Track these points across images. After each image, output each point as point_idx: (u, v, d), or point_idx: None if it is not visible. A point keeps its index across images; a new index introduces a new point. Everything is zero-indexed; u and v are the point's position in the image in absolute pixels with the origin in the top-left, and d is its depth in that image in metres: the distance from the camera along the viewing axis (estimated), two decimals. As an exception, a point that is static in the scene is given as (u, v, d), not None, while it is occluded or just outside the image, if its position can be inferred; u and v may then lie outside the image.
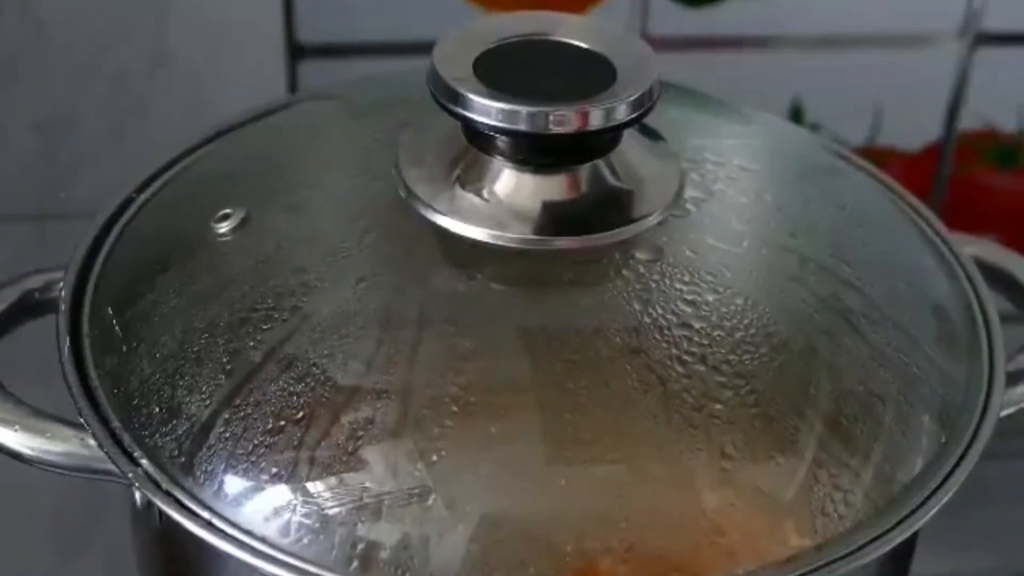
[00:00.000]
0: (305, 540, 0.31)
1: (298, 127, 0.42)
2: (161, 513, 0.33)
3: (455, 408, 0.32)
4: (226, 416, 0.33)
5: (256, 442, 0.32)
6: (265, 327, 0.34)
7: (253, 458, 0.32)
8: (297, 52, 0.58)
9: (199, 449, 0.33)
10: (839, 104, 0.69)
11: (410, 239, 0.35)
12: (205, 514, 0.32)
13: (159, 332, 0.35)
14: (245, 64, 0.58)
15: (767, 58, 0.63)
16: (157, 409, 0.34)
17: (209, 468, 0.33)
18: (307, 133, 0.41)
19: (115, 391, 0.35)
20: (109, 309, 0.37)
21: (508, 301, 0.34)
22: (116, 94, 0.57)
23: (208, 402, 0.33)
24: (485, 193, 0.35)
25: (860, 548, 0.32)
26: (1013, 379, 0.38)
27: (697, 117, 0.42)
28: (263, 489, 0.32)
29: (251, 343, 0.34)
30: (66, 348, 0.37)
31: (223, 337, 0.34)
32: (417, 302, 0.34)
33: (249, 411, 0.33)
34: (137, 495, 0.37)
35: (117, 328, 0.37)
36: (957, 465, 0.35)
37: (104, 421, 0.35)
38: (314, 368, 0.33)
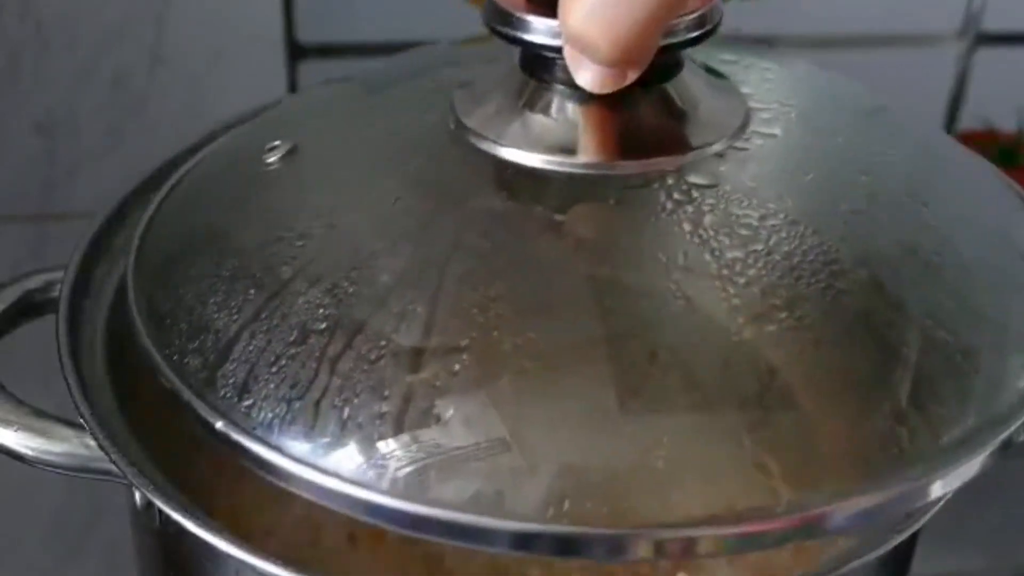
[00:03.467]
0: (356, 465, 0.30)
1: (338, 93, 0.41)
2: (161, 513, 0.33)
3: (480, 319, 0.31)
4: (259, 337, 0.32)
5: (282, 359, 0.32)
6: (299, 244, 0.34)
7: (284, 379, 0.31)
8: (297, 52, 0.58)
9: (242, 377, 0.32)
10: (839, 104, 0.69)
11: (460, 165, 0.35)
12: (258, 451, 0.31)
13: (200, 259, 0.35)
14: (245, 64, 0.58)
15: (767, 58, 0.63)
16: (186, 326, 0.34)
17: (262, 406, 0.31)
18: (351, 95, 0.41)
19: (150, 315, 0.35)
20: (158, 247, 0.37)
21: (552, 221, 0.33)
22: (116, 94, 0.57)
23: (237, 319, 0.33)
24: (542, 120, 0.35)
25: (860, 548, 0.32)
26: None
27: (758, 62, 0.40)
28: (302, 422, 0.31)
29: (284, 260, 0.33)
30: (65, 348, 0.37)
31: (257, 256, 0.34)
32: (457, 221, 0.33)
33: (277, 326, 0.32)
34: (137, 495, 0.37)
35: (163, 261, 0.36)
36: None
37: (103, 421, 0.35)
38: (344, 282, 0.32)
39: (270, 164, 0.37)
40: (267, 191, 0.36)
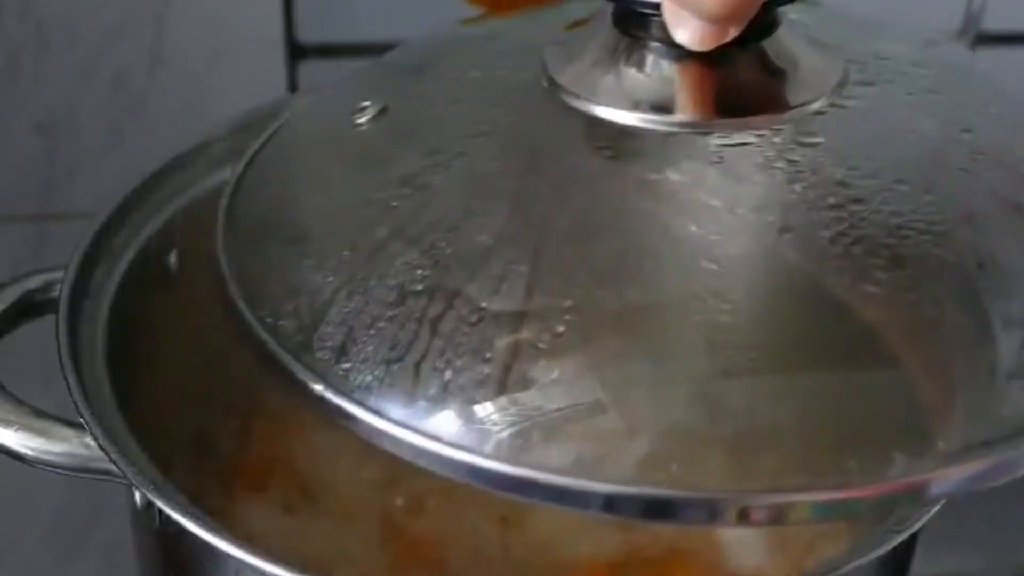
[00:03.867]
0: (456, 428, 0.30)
1: (416, 61, 0.41)
2: (161, 513, 0.33)
3: (583, 279, 0.31)
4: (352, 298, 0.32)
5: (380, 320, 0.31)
6: (394, 204, 0.33)
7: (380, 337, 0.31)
8: (297, 52, 0.58)
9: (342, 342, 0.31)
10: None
11: (555, 123, 0.34)
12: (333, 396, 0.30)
13: (291, 221, 0.35)
14: (245, 64, 0.58)
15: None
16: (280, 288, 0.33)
17: (358, 361, 0.31)
18: (432, 59, 0.40)
19: (241, 279, 0.34)
20: (247, 212, 0.36)
21: (650, 180, 0.33)
22: (116, 94, 0.57)
23: (331, 280, 0.32)
24: (636, 78, 0.34)
25: (860, 548, 0.32)
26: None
27: (850, 19, 0.40)
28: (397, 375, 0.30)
29: (378, 221, 0.33)
30: (65, 348, 0.37)
31: (351, 217, 0.33)
32: (554, 179, 0.33)
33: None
34: (137, 495, 0.37)
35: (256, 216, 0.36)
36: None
37: (103, 421, 0.35)
38: (440, 243, 0.32)
39: (360, 125, 0.36)
40: (358, 152, 0.36)
